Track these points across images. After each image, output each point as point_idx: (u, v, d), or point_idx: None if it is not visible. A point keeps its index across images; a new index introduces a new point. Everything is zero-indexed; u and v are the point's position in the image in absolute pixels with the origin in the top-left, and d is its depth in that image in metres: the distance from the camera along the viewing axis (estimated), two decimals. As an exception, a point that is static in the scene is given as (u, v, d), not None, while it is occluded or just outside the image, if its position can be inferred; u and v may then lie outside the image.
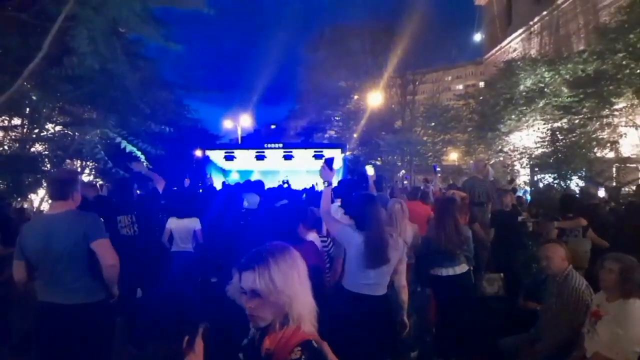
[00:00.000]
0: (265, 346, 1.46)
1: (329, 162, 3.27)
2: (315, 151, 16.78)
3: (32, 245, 2.89)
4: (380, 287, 3.15)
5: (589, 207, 5.41)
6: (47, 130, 8.72)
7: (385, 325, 3.15)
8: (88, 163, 10.75)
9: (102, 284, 3.00)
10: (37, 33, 5.78)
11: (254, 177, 13.81)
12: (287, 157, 16.57)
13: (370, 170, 6.03)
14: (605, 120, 11.62)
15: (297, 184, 14.81)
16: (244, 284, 1.44)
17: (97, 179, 11.33)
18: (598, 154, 11.65)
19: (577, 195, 7.90)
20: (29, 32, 6.11)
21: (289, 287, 1.43)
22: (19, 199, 8.19)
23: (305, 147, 17.65)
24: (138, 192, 5.56)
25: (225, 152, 16.59)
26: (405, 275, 3.37)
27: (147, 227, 5.02)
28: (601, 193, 10.66)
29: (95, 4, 5.41)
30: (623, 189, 10.39)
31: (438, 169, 9.48)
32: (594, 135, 11.68)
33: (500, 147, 16.89)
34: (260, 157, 16.76)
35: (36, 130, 8.61)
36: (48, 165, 8.53)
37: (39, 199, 9.04)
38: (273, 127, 46.72)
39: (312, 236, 3.61)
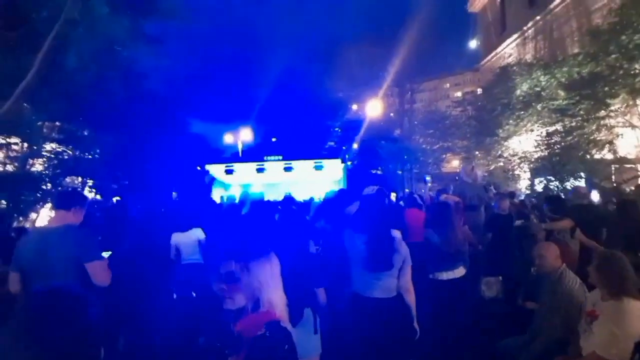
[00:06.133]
0: (237, 329, 1.70)
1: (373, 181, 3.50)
2: (315, 162, 16.87)
3: (27, 257, 2.92)
4: (388, 290, 3.18)
5: (577, 208, 5.40)
6: (43, 148, 8.79)
7: (399, 327, 3.16)
8: (88, 181, 10.85)
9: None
10: (28, 52, 5.88)
11: (254, 190, 13.81)
12: (288, 169, 16.66)
13: None
14: (601, 121, 11.62)
15: (299, 196, 14.83)
16: (223, 269, 1.86)
17: (97, 196, 11.42)
18: (596, 156, 11.64)
19: (564, 197, 7.92)
20: (20, 51, 6.21)
21: (261, 275, 1.72)
22: (20, 218, 8.25)
23: (305, 159, 17.71)
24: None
25: (226, 166, 16.69)
26: (410, 277, 3.35)
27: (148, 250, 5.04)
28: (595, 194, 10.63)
29: (86, 23, 5.52)
30: (624, 188, 10.35)
31: (427, 178, 9.97)
32: (591, 137, 11.68)
33: (499, 152, 16.90)
34: (260, 170, 16.85)
35: (34, 148, 8.69)
36: (49, 185, 8.61)
37: (40, 218, 9.10)
38: (274, 140, 46.87)
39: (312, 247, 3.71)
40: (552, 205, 5.58)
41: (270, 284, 1.74)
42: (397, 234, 4.59)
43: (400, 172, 24.48)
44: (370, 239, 3.13)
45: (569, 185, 11.64)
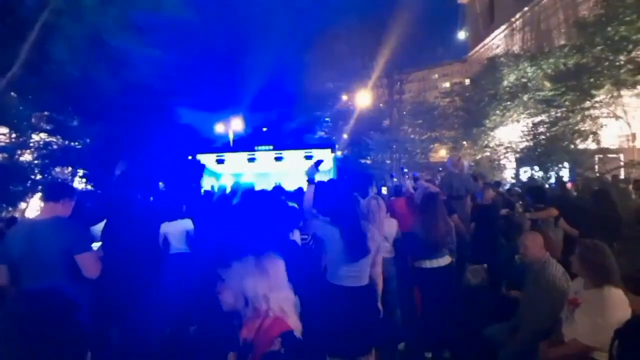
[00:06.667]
0: (243, 335, 1.57)
1: (318, 163, 3.51)
2: (305, 152, 16.86)
3: (16, 250, 2.90)
4: (361, 278, 3.24)
5: (560, 197, 5.54)
6: (32, 138, 8.67)
7: (369, 315, 3.24)
8: (78, 170, 10.73)
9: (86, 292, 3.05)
10: (16, 43, 5.79)
11: (245, 180, 13.75)
12: (278, 159, 16.65)
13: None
14: (586, 112, 11.81)
15: (289, 185, 14.81)
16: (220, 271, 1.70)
17: (88, 186, 11.30)
18: (580, 146, 11.83)
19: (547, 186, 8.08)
20: (8, 41, 6.10)
21: (245, 278, 1.62)
22: (9, 209, 8.17)
23: (296, 148, 17.70)
24: None
25: (217, 156, 16.62)
26: (380, 266, 3.47)
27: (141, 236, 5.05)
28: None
29: (73, 12, 5.45)
30: (607, 178, 10.54)
31: (405, 169, 10.23)
32: (576, 128, 11.86)
33: (486, 142, 17.08)
34: (251, 160, 16.82)
35: (22, 139, 8.57)
36: (38, 175, 8.53)
37: (29, 208, 9.00)
38: (265, 129, 46.73)
39: (296, 235, 3.75)
40: (533, 196, 5.68)
41: (280, 284, 1.70)
42: (392, 221, 4.68)
43: (389, 162, 24.60)
44: (344, 229, 3.18)
45: (553, 175, 11.85)
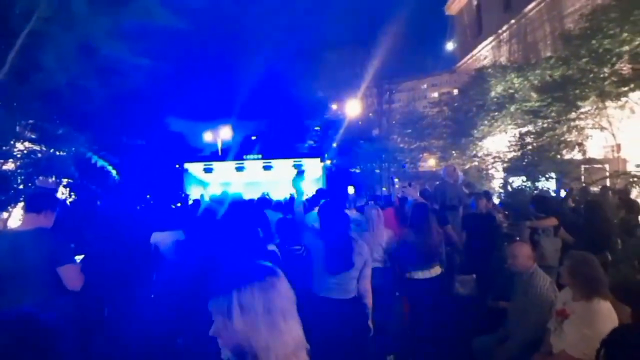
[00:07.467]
0: None
1: (301, 172, 3.49)
2: (294, 161, 16.91)
3: None
4: (346, 291, 3.21)
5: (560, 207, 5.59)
6: (15, 147, 8.53)
7: (354, 328, 3.20)
8: (62, 180, 10.57)
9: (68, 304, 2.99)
10: (2, 50, 5.74)
11: (233, 189, 13.70)
12: (267, 168, 16.67)
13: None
14: (572, 123, 11.97)
15: (278, 195, 14.82)
16: (210, 306, 1.27)
17: (72, 195, 11.14)
18: (566, 156, 11.98)
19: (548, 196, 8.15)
20: None
21: (246, 322, 1.21)
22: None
23: (285, 158, 17.73)
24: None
25: (204, 165, 16.58)
26: (369, 279, 3.42)
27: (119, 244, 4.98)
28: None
29: (63, 21, 5.42)
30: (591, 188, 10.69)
31: (395, 179, 10.24)
32: (562, 138, 12.02)
33: (474, 152, 17.23)
34: (240, 169, 16.80)
35: (5, 148, 8.43)
36: (21, 185, 8.39)
37: (12, 218, 8.83)
38: (253, 138, 46.73)
39: (272, 247, 3.74)
40: (537, 205, 5.72)
41: (263, 331, 1.22)
42: (388, 231, 4.69)
43: (378, 171, 24.70)
44: (329, 240, 3.15)
45: (540, 185, 11.97)
